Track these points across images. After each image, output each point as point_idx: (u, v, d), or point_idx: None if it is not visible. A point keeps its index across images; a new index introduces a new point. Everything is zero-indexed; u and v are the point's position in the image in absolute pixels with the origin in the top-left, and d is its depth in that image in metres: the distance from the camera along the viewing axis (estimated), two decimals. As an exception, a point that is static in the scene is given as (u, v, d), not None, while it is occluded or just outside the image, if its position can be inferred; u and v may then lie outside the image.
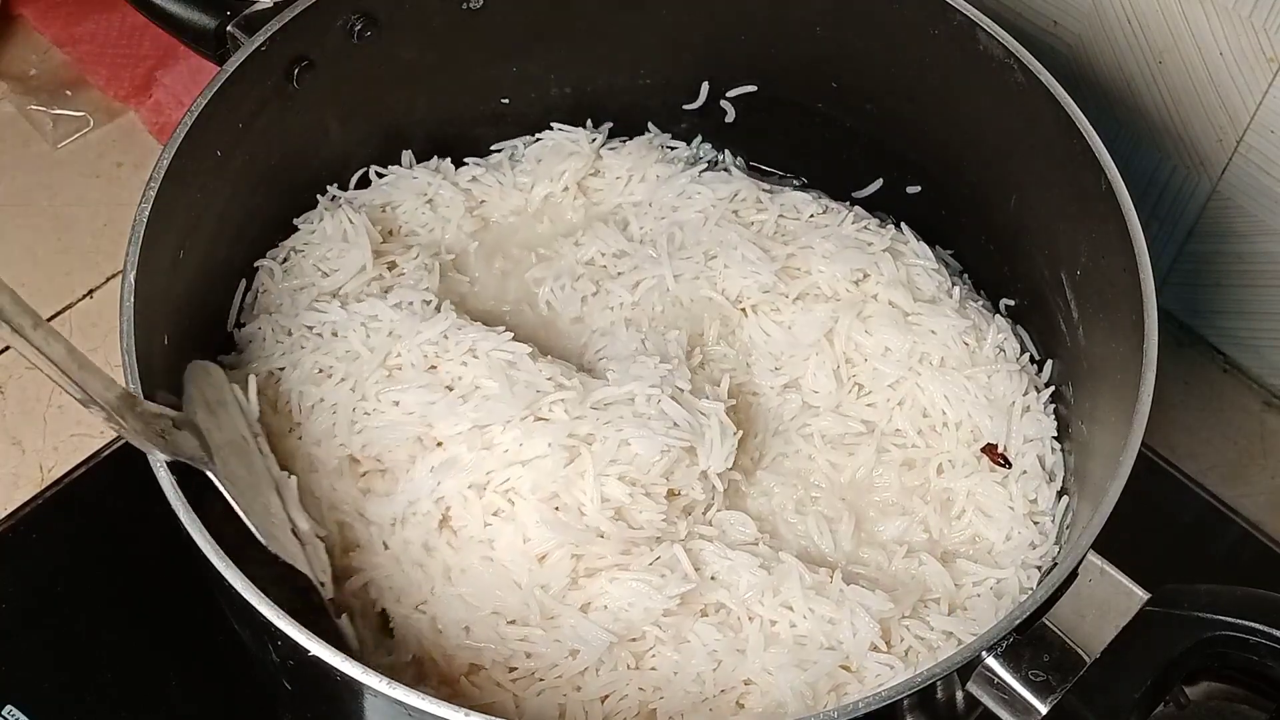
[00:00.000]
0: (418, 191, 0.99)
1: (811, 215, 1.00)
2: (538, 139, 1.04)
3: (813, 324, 0.93)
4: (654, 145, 1.04)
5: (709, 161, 1.06)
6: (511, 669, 0.80)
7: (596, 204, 1.02)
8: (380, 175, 1.00)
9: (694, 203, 1.00)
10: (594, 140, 1.03)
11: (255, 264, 0.94)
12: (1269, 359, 1.06)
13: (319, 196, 0.98)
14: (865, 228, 0.98)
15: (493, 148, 1.04)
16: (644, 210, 1.00)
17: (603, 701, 0.80)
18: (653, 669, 0.81)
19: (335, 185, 0.98)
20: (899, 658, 0.80)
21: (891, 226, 1.00)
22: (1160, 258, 0.81)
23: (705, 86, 1.02)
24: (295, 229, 0.96)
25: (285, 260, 0.95)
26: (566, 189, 1.01)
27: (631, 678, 0.80)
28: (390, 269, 0.95)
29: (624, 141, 1.04)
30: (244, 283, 0.93)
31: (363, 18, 0.91)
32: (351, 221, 0.94)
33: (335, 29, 0.91)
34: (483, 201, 1.01)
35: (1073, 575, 0.72)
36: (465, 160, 1.03)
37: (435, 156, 1.02)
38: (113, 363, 1.07)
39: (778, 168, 1.06)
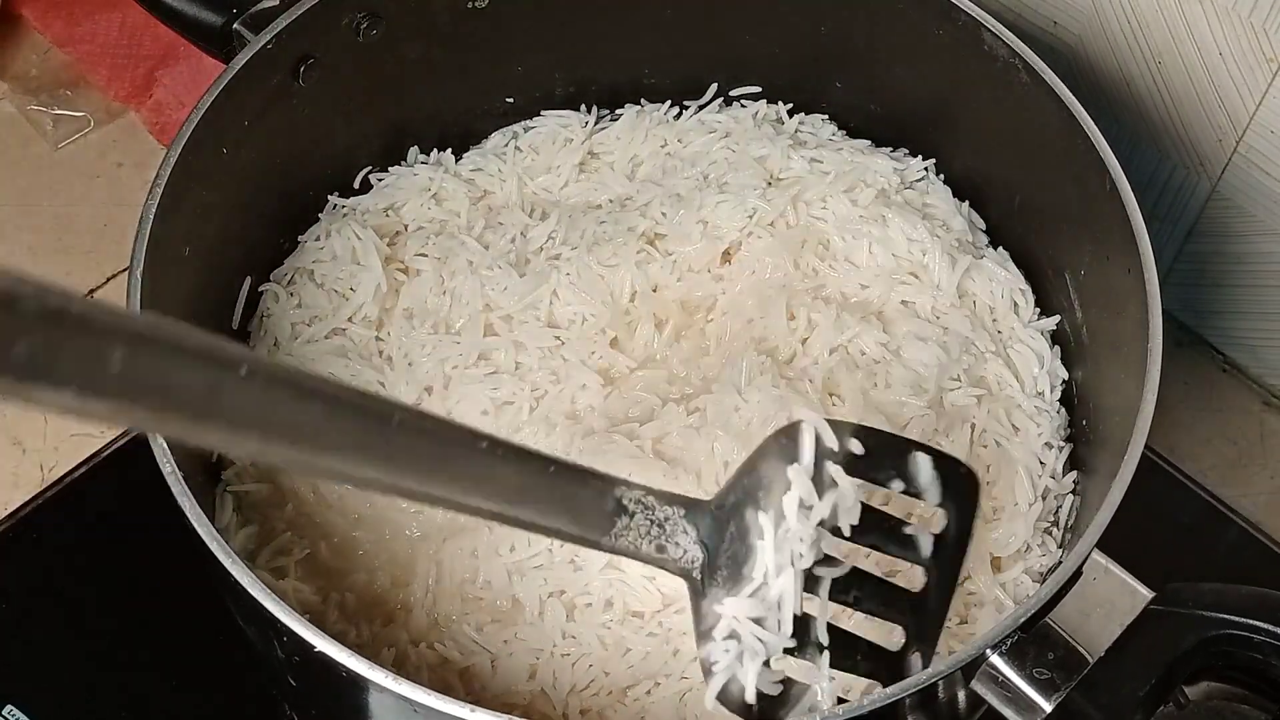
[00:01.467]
0: (421, 188, 0.99)
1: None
2: (533, 127, 1.03)
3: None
4: (644, 113, 1.03)
5: None
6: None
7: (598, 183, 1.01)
8: (380, 180, 1.00)
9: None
10: (586, 124, 1.03)
11: (260, 289, 0.93)
12: (1269, 359, 1.06)
13: (320, 216, 0.97)
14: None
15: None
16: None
17: (572, 666, 0.79)
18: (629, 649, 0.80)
19: (337, 194, 0.98)
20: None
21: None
22: (1160, 258, 0.81)
23: (712, 87, 1.02)
24: (299, 228, 0.96)
25: (291, 282, 0.94)
26: (566, 183, 1.01)
27: (601, 654, 0.80)
28: (403, 273, 0.95)
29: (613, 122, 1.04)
30: (248, 280, 0.93)
31: (369, 16, 0.91)
32: (359, 237, 0.94)
33: (341, 28, 0.91)
34: (486, 192, 1.01)
35: (1077, 574, 0.72)
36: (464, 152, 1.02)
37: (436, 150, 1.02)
38: (114, 362, 1.08)
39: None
